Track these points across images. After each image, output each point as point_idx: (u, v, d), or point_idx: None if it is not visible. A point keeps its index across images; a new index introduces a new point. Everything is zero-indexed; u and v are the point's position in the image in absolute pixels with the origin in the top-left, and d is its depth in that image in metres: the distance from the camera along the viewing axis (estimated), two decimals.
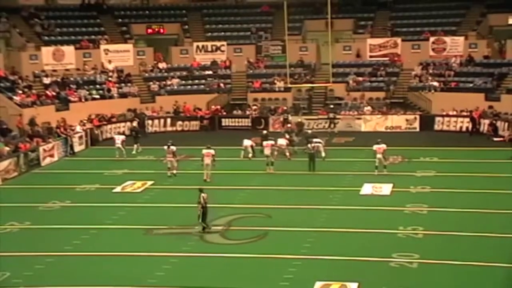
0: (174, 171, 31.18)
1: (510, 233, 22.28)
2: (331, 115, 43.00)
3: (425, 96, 45.04)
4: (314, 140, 33.84)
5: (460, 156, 34.10)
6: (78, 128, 39.50)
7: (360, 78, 47.67)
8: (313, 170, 31.54)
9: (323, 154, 33.53)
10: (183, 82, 49.16)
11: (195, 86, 48.96)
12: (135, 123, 41.53)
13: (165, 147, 31.37)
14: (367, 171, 31.45)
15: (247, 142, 35.01)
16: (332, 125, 42.51)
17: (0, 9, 48.82)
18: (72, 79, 46.38)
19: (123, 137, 36.75)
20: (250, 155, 34.66)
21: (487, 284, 18.43)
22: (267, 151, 32.11)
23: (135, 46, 51.56)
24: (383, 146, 31.00)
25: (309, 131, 38.65)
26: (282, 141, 34.61)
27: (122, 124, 43.11)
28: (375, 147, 31.14)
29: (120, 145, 35.62)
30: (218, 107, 46.30)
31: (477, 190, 27.79)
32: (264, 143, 33.04)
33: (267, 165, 31.78)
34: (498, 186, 28.29)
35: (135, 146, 37.08)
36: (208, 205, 23.00)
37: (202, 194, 23.00)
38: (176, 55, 51.78)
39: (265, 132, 37.77)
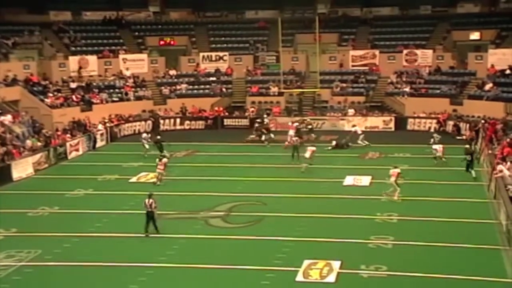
0: (159, 182, 28.05)
1: (471, 218, 22.34)
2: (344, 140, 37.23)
3: (399, 100, 44.96)
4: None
5: (429, 152, 33.78)
6: (100, 127, 39.41)
7: (344, 84, 47.60)
8: (297, 159, 31.23)
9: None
10: (191, 87, 49.01)
11: (201, 90, 48.77)
12: (159, 137, 35.75)
13: (157, 159, 28.87)
14: (350, 165, 31.43)
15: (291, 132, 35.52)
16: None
17: (34, 24, 48.77)
18: (95, 84, 46.16)
19: (147, 135, 35.56)
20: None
21: (451, 261, 18.38)
22: (308, 155, 30.36)
23: (149, 55, 51.32)
24: (441, 146, 31.60)
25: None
26: (291, 132, 35.49)
27: (138, 123, 42.90)
28: (434, 146, 31.80)
29: (145, 143, 34.66)
30: (221, 108, 46.21)
31: (444, 182, 27.78)
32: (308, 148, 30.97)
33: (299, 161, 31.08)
34: (461, 178, 28.31)
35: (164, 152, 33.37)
36: (154, 211, 20.99)
37: (146, 200, 21.16)
38: (185, 63, 51.62)
39: (266, 121, 37.69)
